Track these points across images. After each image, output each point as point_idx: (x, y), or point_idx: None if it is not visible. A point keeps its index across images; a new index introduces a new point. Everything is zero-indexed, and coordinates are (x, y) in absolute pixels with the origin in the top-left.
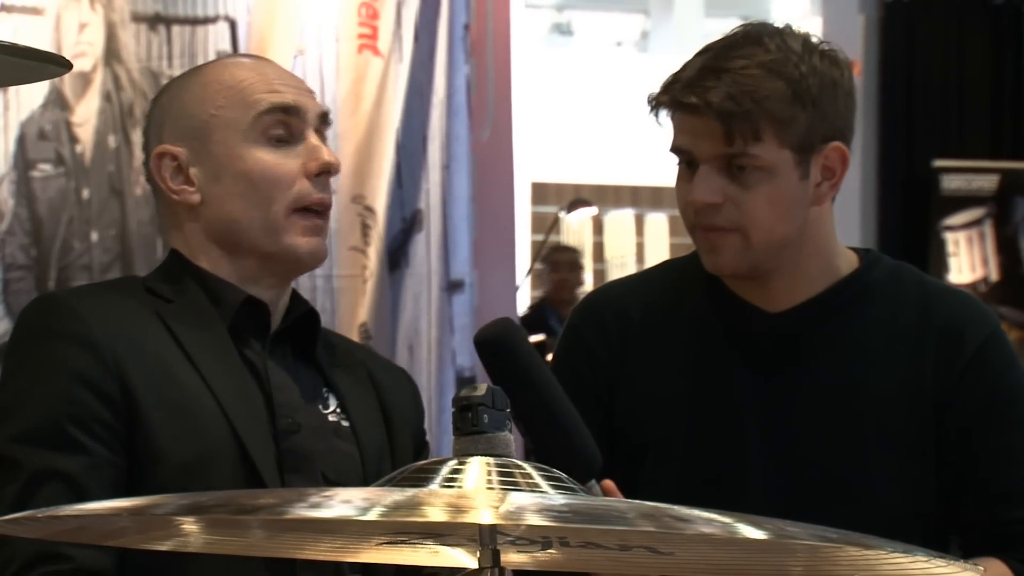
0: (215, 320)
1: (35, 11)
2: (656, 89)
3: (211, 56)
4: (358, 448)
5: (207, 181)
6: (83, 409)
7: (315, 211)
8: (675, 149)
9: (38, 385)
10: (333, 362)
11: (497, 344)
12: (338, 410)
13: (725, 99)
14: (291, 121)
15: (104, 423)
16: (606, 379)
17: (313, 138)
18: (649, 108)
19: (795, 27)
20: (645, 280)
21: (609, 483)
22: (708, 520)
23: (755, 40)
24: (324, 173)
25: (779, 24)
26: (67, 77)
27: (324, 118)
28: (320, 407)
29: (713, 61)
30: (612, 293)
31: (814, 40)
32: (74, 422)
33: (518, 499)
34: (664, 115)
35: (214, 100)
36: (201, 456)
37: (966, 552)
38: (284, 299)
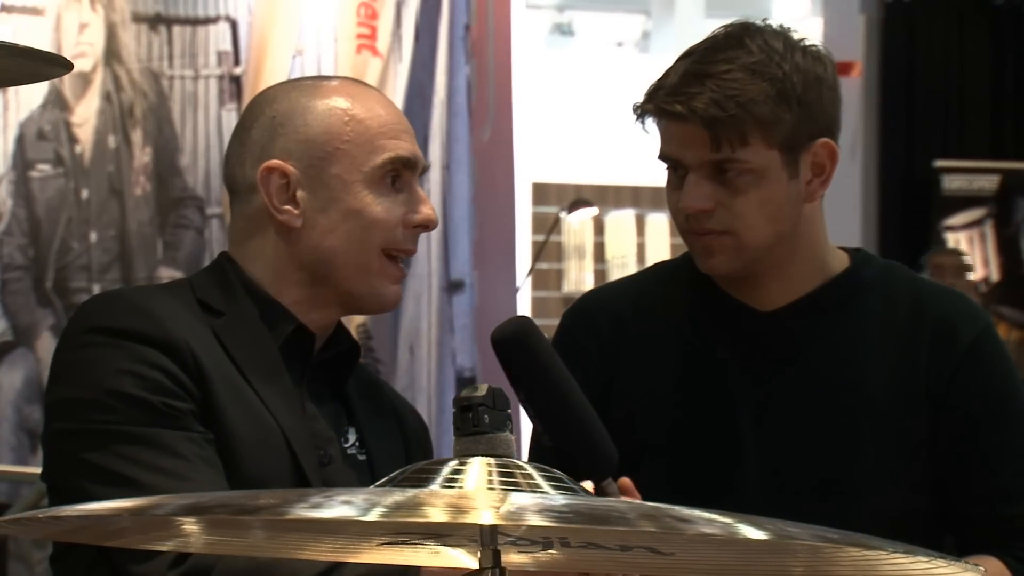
0: (267, 340)
1: (35, 11)
2: (641, 97)
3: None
4: (373, 482)
5: (313, 208)
6: (179, 401)
7: (401, 259)
8: (663, 157)
9: (125, 378)
10: (360, 394)
11: (516, 342)
12: (357, 443)
13: (710, 105)
14: (404, 171)
15: (195, 414)
16: (600, 381)
17: (419, 190)
18: (635, 116)
19: (775, 24)
20: (637, 282)
21: (626, 481)
22: (709, 520)
23: (736, 42)
24: (421, 227)
25: (760, 23)
26: (67, 77)
27: (425, 170)
28: (342, 440)
29: (696, 66)
30: (604, 296)
31: (795, 37)
32: (175, 409)
33: (519, 499)
34: (651, 122)
35: (341, 133)
36: (266, 473)
37: (961, 549)
38: (330, 330)
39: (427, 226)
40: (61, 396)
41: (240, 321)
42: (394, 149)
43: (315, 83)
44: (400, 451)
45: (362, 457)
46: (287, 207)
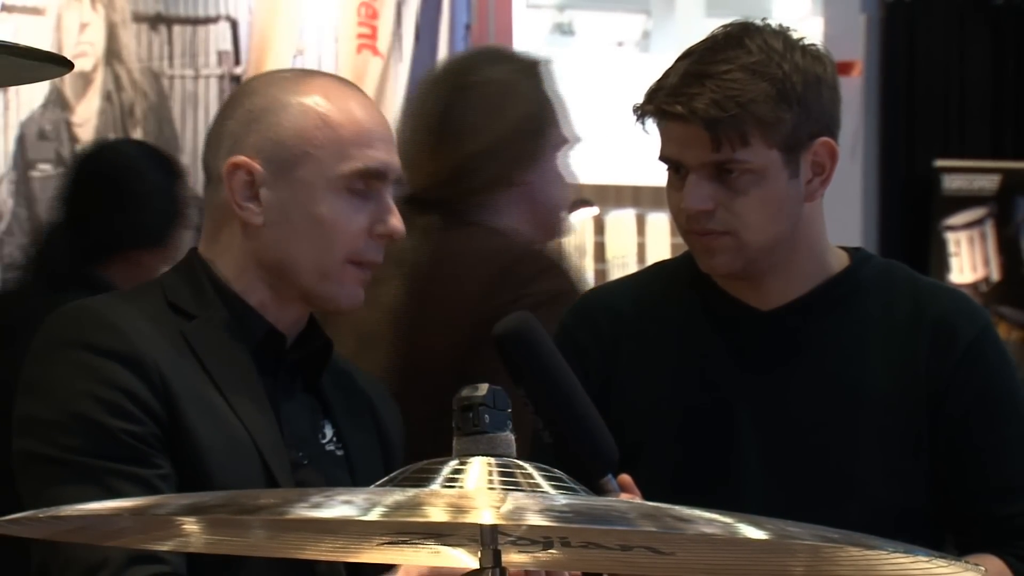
0: (238, 344)
1: (36, 11)
2: (641, 98)
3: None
4: (352, 477)
5: (276, 209)
6: (139, 426)
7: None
8: (663, 158)
9: (87, 401)
10: (334, 384)
11: (518, 338)
12: (334, 439)
13: (710, 106)
14: (373, 181)
15: (159, 438)
16: (600, 380)
17: (388, 199)
18: (635, 117)
19: (774, 24)
20: (637, 281)
21: (626, 478)
22: (709, 520)
23: (736, 42)
24: (387, 237)
25: (759, 23)
26: (68, 77)
27: (400, 180)
28: (319, 437)
29: (695, 66)
30: (604, 294)
31: (795, 36)
32: (133, 437)
33: (519, 499)
34: (651, 123)
35: (312, 137)
36: (237, 482)
37: (961, 548)
38: (301, 325)
39: (392, 237)
40: (26, 412)
41: (211, 325)
42: (363, 160)
43: (297, 78)
44: (375, 442)
45: (340, 452)
46: (249, 205)
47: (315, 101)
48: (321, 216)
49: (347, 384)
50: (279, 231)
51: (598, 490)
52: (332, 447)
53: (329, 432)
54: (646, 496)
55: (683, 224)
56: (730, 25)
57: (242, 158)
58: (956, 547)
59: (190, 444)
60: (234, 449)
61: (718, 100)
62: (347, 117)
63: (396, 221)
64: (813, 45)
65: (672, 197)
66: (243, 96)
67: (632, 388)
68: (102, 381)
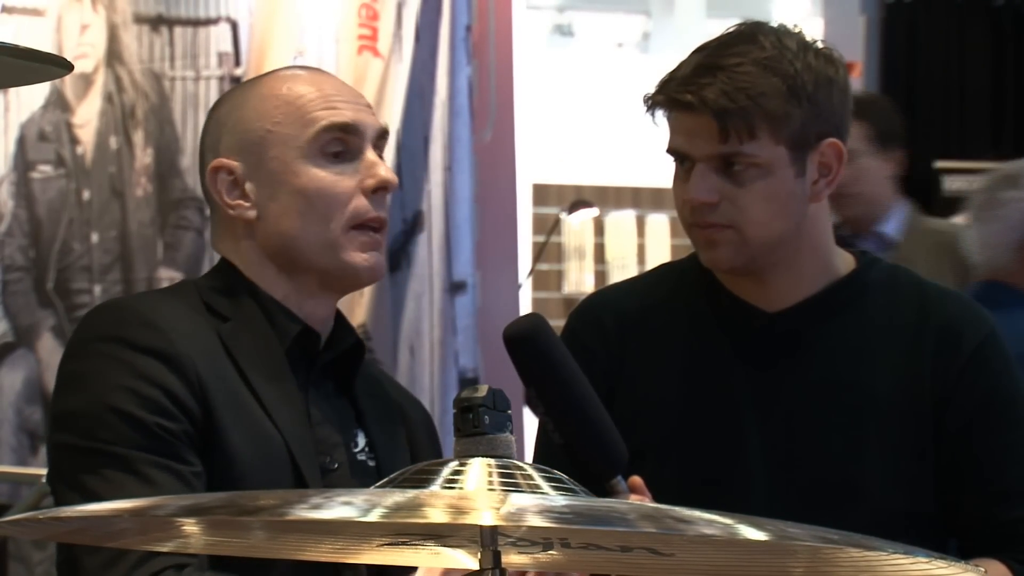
0: (273, 344)
1: (36, 12)
2: (652, 89)
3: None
4: None
5: (263, 197)
6: (174, 423)
7: (372, 227)
8: (671, 151)
9: (124, 395)
10: (367, 392)
11: (528, 340)
12: (366, 448)
13: (720, 96)
14: (349, 139)
15: (191, 436)
16: (606, 381)
17: (371, 154)
18: (645, 108)
19: (790, 26)
20: (643, 282)
21: (637, 479)
22: (709, 521)
23: (750, 38)
24: (381, 190)
25: (776, 24)
26: (68, 78)
27: (383, 134)
28: (351, 444)
29: (708, 59)
30: (610, 296)
31: (809, 38)
32: (169, 433)
33: (519, 500)
34: (661, 115)
35: (271, 115)
36: (267, 484)
37: (965, 553)
38: (330, 323)
39: (386, 188)
40: (64, 407)
41: (246, 326)
42: (327, 118)
43: (261, 77)
44: (405, 451)
45: (372, 463)
46: (238, 202)
47: (271, 87)
48: (304, 187)
49: (377, 391)
50: (273, 216)
51: (608, 492)
52: (364, 456)
53: (362, 441)
54: (652, 497)
55: (687, 216)
56: (744, 23)
57: (219, 160)
58: (960, 551)
59: (223, 445)
60: (266, 453)
61: (728, 91)
62: (302, 87)
63: (384, 171)
64: (826, 48)
65: (677, 189)
66: (212, 110)
67: (638, 389)
68: (140, 376)
